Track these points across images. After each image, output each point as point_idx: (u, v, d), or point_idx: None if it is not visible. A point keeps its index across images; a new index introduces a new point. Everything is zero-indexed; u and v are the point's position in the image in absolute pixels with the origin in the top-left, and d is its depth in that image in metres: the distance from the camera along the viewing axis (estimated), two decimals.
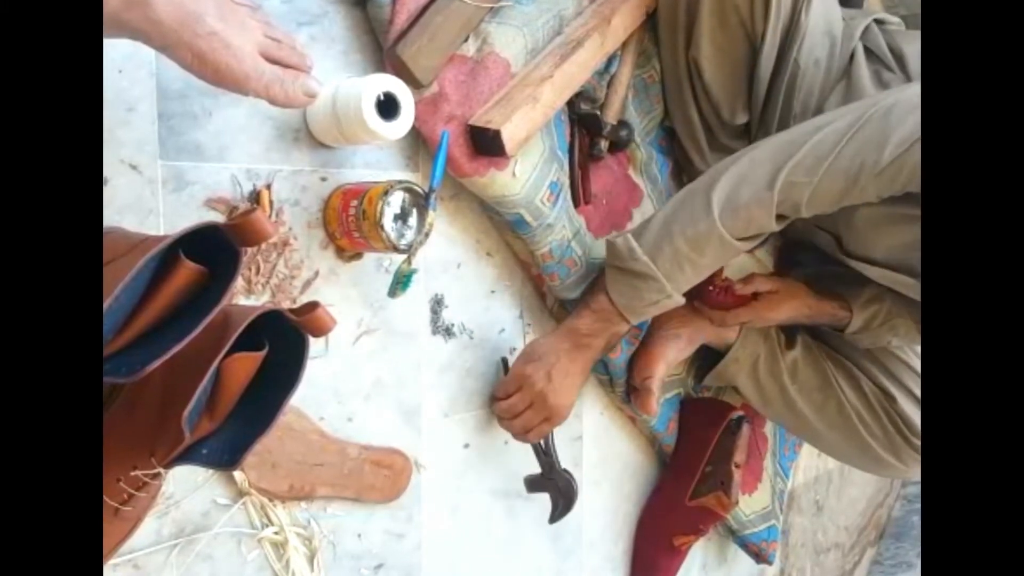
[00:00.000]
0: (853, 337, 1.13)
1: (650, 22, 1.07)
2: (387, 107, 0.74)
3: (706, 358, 1.25)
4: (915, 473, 1.18)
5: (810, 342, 1.21)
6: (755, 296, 1.09)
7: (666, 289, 0.91)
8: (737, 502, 1.25)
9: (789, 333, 1.20)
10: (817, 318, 1.12)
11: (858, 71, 1.05)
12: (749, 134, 1.12)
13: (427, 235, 0.77)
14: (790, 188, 0.85)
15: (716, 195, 0.88)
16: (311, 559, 0.82)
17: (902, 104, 0.81)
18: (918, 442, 1.13)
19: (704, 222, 0.88)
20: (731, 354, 1.19)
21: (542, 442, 1.00)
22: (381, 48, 0.82)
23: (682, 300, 0.94)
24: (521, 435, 0.98)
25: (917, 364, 1.19)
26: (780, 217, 0.88)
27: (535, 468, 1.02)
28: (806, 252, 1.28)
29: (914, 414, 1.13)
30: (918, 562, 2.21)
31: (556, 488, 1.02)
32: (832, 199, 0.85)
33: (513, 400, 0.96)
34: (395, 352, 0.89)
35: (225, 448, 0.65)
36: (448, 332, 0.94)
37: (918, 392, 1.15)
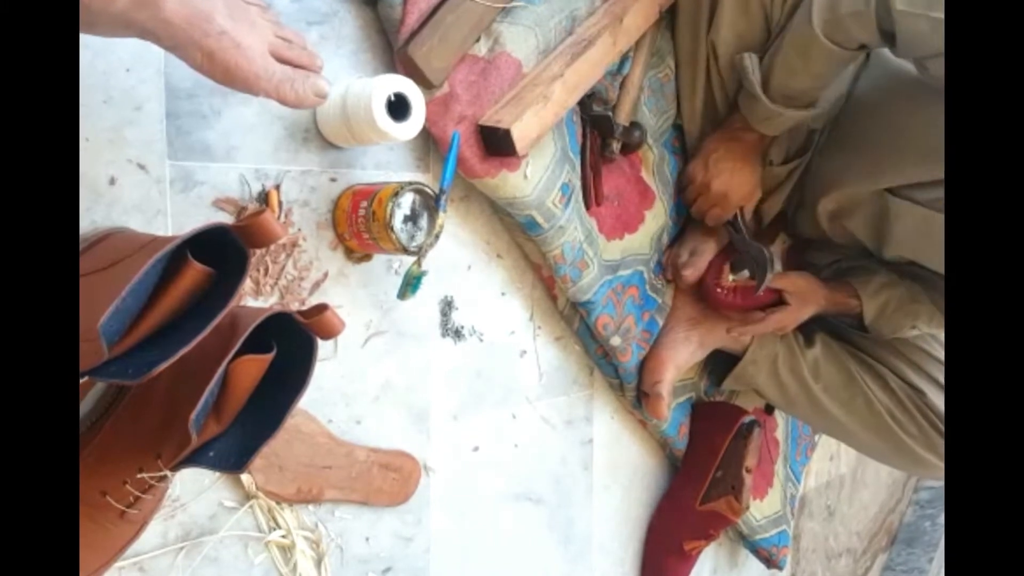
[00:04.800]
0: (873, 326, 1.12)
1: (664, 20, 1.06)
2: (398, 107, 0.73)
3: (719, 362, 1.24)
4: None
5: (829, 341, 1.20)
6: (782, 299, 1.08)
7: (770, 109, 0.97)
8: (748, 507, 1.24)
9: (807, 333, 1.19)
10: (833, 307, 1.13)
11: (880, 52, 1.04)
12: None
13: (437, 237, 0.77)
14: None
15: (816, 4, 0.90)
16: (318, 563, 0.82)
17: None
18: None
19: (806, 28, 0.91)
20: (748, 356, 1.17)
21: (732, 224, 1.09)
22: (392, 48, 0.81)
23: (799, 114, 0.97)
24: (701, 219, 1.10)
25: (943, 355, 1.17)
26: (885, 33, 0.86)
27: (541, 472, 1.01)
28: (818, 252, 1.26)
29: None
30: (930, 568, 2.20)
31: (751, 260, 1.09)
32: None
33: (686, 191, 1.11)
34: (404, 354, 0.88)
35: (232, 451, 0.64)
36: (458, 334, 0.93)
37: None
